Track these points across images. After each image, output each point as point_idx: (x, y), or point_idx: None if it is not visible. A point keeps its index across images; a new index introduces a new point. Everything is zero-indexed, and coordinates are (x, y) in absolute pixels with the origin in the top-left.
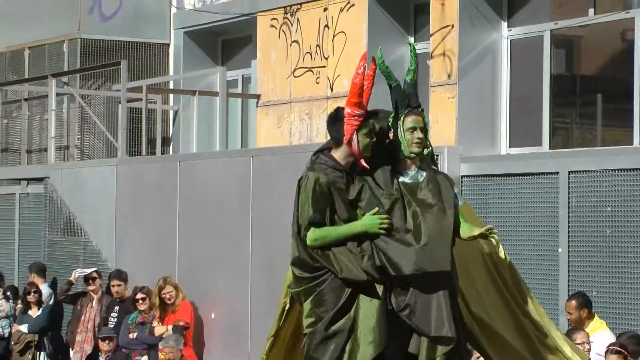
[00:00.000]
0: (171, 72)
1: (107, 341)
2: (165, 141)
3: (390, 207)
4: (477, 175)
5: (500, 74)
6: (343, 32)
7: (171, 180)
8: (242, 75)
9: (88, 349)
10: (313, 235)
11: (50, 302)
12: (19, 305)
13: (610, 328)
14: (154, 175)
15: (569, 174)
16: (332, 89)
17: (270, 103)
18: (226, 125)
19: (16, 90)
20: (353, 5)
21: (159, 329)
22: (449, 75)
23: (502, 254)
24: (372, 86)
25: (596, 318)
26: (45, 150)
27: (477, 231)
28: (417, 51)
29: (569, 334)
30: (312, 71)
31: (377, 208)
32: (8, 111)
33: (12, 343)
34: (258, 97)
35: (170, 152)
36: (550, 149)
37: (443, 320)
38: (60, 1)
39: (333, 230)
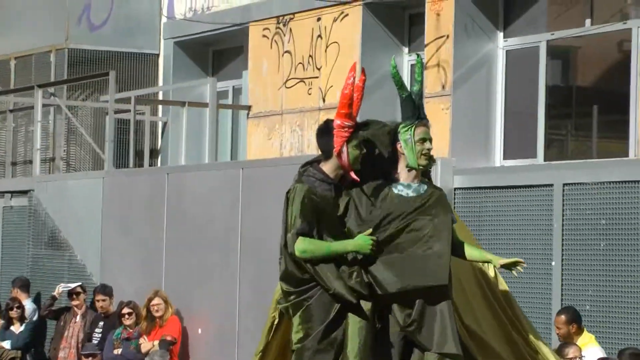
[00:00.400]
0: (160, 82)
1: (90, 358)
2: (154, 153)
3: (379, 222)
4: (470, 188)
5: (496, 85)
6: (336, 42)
7: (159, 193)
8: (233, 86)
9: None
10: (302, 246)
11: (34, 318)
12: (1, 321)
13: (603, 343)
14: (141, 188)
15: (564, 186)
16: (324, 100)
17: (261, 114)
18: (216, 137)
19: (1, 101)
20: (347, 15)
21: (145, 346)
22: (443, 86)
23: (492, 272)
24: (362, 97)
25: (585, 333)
26: (31, 162)
27: (502, 261)
28: (412, 62)
29: (561, 349)
30: (304, 82)
31: (370, 229)
32: None
33: None
34: (249, 108)
35: (159, 165)
36: (545, 160)
37: (447, 336)
38: (47, 10)
39: (324, 245)
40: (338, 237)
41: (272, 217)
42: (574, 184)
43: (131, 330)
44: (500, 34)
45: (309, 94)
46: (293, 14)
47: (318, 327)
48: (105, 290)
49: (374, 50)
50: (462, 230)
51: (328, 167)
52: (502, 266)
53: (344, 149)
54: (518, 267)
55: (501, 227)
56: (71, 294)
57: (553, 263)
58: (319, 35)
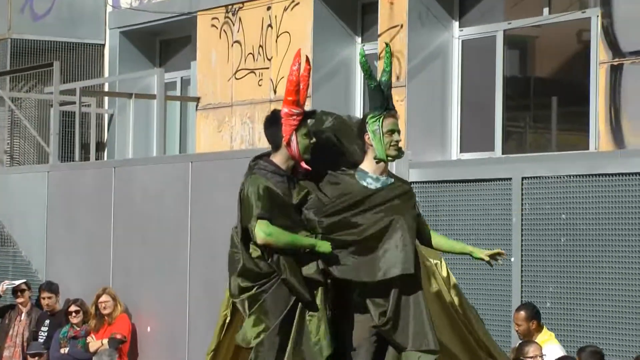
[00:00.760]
0: (106, 73)
1: (36, 357)
2: (100, 146)
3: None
4: (426, 182)
5: (451, 75)
6: (287, 32)
7: (106, 187)
8: (181, 77)
9: None
10: (267, 228)
11: None
12: None
13: (563, 341)
14: (87, 182)
15: (522, 180)
16: (275, 92)
17: (210, 106)
18: (164, 129)
19: None
20: (298, 4)
21: (93, 344)
22: (398, 77)
23: (444, 271)
24: (308, 87)
25: (545, 330)
26: None
27: (487, 252)
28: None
29: (521, 347)
30: (254, 73)
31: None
32: None
33: None
34: (197, 100)
35: (105, 158)
36: (503, 154)
37: (426, 332)
38: None
39: (287, 233)
40: (293, 229)
41: (223, 211)
42: (533, 177)
43: (78, 329)
44: (456, 23)
45: (260, 85)
46: (242, 2)
47: (275, 320)
48: (51, 287)
49: (326, 40)
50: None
51: (278, 159)
52: (485, 256)
53: (293, 137)
54: (499, 259)
55: (458, 222)
56: (16, 291)
57: (512, 259)
58: (270, 25)
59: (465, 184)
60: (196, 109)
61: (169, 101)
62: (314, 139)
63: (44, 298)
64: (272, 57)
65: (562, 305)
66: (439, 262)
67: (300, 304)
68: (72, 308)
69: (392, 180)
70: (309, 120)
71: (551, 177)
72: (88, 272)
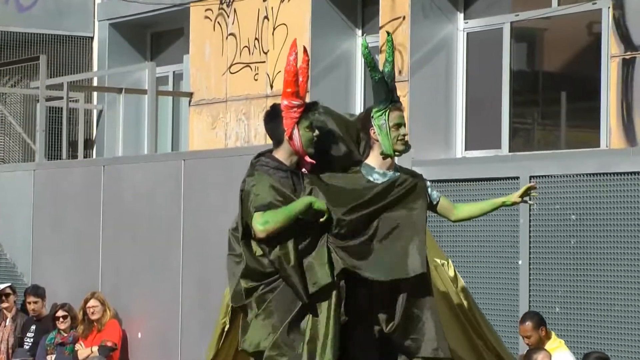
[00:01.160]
0: (95, 67)
1: None
2: (88, 144)
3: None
4: (430, 181)
5: (456, 70)
6: (284, 24)
7: (95, 186)
8: (173, 72)
9: None
10: (262, 219)
11: None
12: None
13: (573, 347)
14: (75, 181)
15: (530, 179)
16: (272, 87)
17: (203, 102)
18: (155, 126)
19: None
20: None
21: (82, 352)
22: (400, 72)
23: (451, 272)
24: (308, 79)
25: (554, 337)
26: None
27: (515, 195)
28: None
29: (529, 355)
30: (250, 67)
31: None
32: None
33: None
34: (190, 95)
35: (94, 156)
36: (510, 151)
37: (438, 339)
38: None
39: (280, 210)
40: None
41: (216, 212)
42: (542, 176)
43: (66, 335)
44: (461, 15)
45: (256, 80)
46: None
47: (283, 321)
48: (37, 291)
49: (325, 32)
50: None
51: (281, 154)
52: (520, 197)
53: (295, 131)
54: (532, 193)
55: (463, 224)
56: (0, 295)
57: (520, 262)
58: (266, 17)
59: (470, 183)
60: (189, 105)
61: (160, 96)
62: (316, 132)
63: (29, 303)
64: (268, 51)
65: (572, 311)
66: (445, 262)
67: (311, 302)
68: (60, 313)
69: (399, 174)
70: (309, 113)
71: (560, 176)
72: (76, 275)
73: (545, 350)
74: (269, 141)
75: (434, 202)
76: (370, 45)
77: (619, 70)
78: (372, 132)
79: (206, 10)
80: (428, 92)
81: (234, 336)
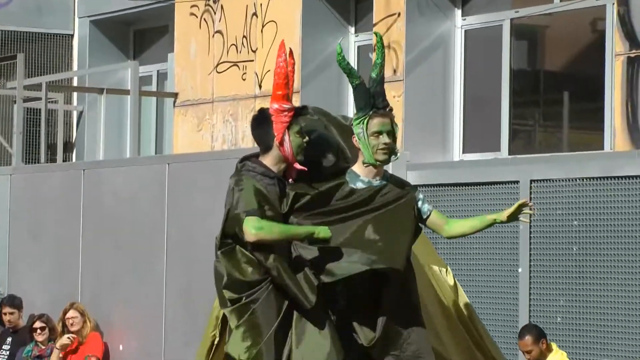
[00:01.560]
0: (75, 67)
1: None
2: (68, 147)
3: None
4: (426, 185)
5: (453, 69)
6: (274, 21)
7: (74, 191)
8: (157, 71)
9: None
10: (257, 223)
11: None
12: None
13: (575, 359)
14: (54, 185)
15: (531, 183)
16: (260, 87)
17: (189, 103)
18: (138, 128)
19: None
20: None
21: None
22: (395, 71)
23: (450, 280)
24: (293, 83)
25: (556, 348)
26: None
27: (507, 212)
28: (359, 43)
29: None
30: (237, 66)
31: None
32: None
33: None
34: (175, 95)
35: (74, 160)
36: (509, 154)
37: (419, 352)
38: None
39: (278, 224)
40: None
41: (202, 218)
42: (543, 180)
43: (44, 347)
44: (458, 12)
45: (244, 80)
46: None
47: (267, 332)
48: (14, 302)
49: (316, 30)
50: (422, 242)
51: (269, 160)
52: (509, 218)
53: (286, 137)
54: (525, 211)
55: None
56: None
57: (520, 270)
58: (254, 13)
59: (468, 187)
60: (174, 106)
61: (143, 97)
62: (307, 137)
63: (5, 314)
64: (257, 49)
65: (575, 321)
66: (444, 269)
67: (297, 309)
68: (37, 324)
69: (386, 183)
70: (299, 117)
71: (562, 180)
72: (55, 284)
73: None
74: None
75: (424, 217)
76: (363, 43)
77: (624, 69)
78: (354, 140)
79: (192, 6)
80: (424, 92)
81: (223, 349)
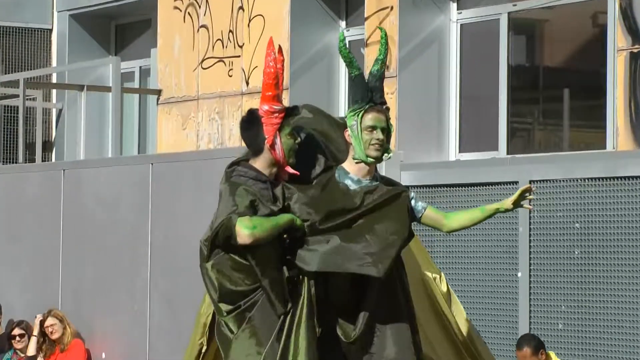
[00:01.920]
0: (54, 63)
1: None
2: (47, 146)
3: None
4: (421, 186)
5: (449, 65)
6: (261, 15)
7: (54, 192)
8: (140, 67)
9: None
10: (250, 222)
11: None
12: None
13: None
14: (33, 186)
15: (530, 184)
16: (247, 83)
17: (173, 100)
18: (120, 126)
19: None
20: None
21: None
22: (388, 67)
23: (444, 286)
24: (282, 81)
25: (555, 358)
26: None
27: (510, 200)
28: (349, 38)
29: None
30: (223, 62)
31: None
32: None
33: None
34: (159, 92)
35: (53, 160)
36: (507, 154)
37: (403, 351)
38: None
39: (267, 219)
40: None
41: (187, 220)
42: (543, 180)
43: (23, 355)
44: (454, 5)
45: (230, 76)
46: None
47: (268, 338)
48: None
49: (305, 24)
50: (415, 246)
51: (260, 164)
52: (514, 204)
53: (277, 139)
54: (527, 197)
55: (457, 233)
56: None
57: (519, 274)
58: (241, 7)
59: (464, 188)
60: (157, 104)
61: (126, 94)
62: (298, 139)
63: None
64: (243, 44)
65: (576, 327)
66: (438, 276)
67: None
68: (16, 331)
69: (377, 184)
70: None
71: (563, 181)
72: (34, 290)
73: None
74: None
75: (418, 215)
76: (354, 38)
77: (626, 64)
78: (346, 134)
79: (176, 0)
80: (418, 89)
81: (211, 356)
